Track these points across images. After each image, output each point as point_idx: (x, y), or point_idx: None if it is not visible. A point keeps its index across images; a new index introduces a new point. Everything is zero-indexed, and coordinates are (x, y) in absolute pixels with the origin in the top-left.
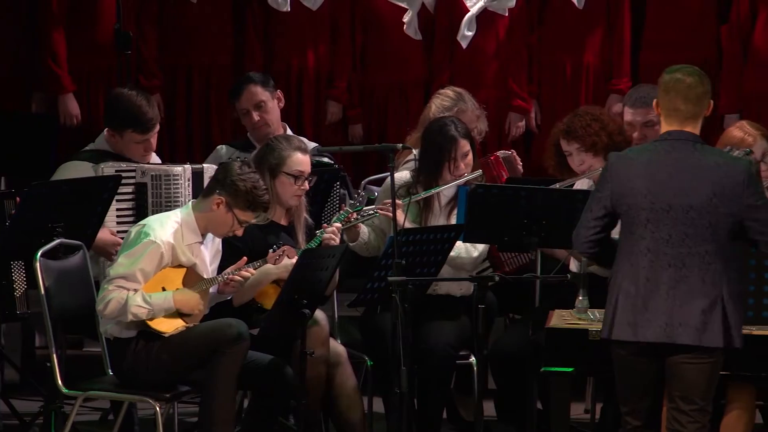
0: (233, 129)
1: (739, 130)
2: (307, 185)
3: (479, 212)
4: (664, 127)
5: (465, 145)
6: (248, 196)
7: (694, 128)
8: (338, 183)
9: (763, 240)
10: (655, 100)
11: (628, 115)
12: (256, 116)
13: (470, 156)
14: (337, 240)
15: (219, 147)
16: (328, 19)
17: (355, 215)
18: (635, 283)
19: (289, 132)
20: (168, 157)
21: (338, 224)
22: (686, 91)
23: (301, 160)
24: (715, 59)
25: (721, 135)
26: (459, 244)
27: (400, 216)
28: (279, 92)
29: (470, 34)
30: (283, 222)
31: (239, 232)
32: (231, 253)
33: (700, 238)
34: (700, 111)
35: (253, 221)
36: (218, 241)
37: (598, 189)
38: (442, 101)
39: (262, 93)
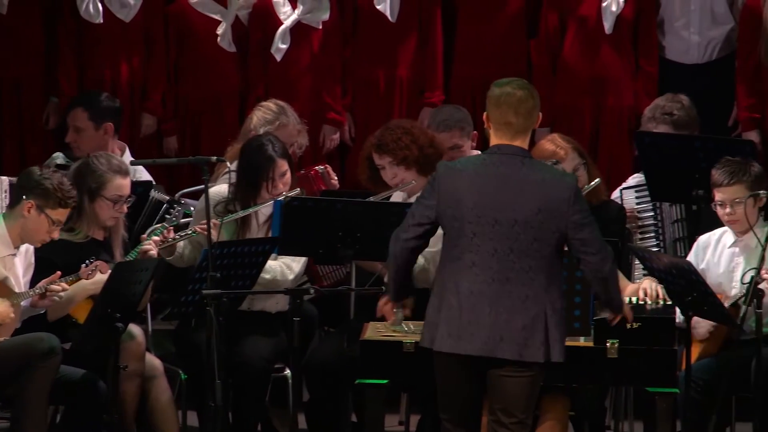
0: (44, 141)
1: (551, 143)
2: (125, 208)
3: (294, 225)
4: (494, 140)
5: (283, 165)
6: (57, 193)
7: (524, 142)
8: (152, 198)
9: (584, 258)
10: (485, 114)
11: None
12: (70, 137)
13: (288, 175)
14: (155, 253)
15: (55, 155)
16: (141, 31)
17: (173, 234)
18: (458, 295)
19: (128, 155)
20: None
21: (157, 238)
22: (517, 104)
23: (120, 185)
24: (525, 73)
25: (533, 148)
26: (275, 266)
27: (216, 234)
28: (109, 125)
29: (284, 46)
30: (100, 237)
31: (55, 235)
32: (47, 267)
33: (525, 253)
34: (530, 124)
35: (68, 237)
36: (31, 253)
37: (424, 196)
38: (264, 114)
39: (82, 120)
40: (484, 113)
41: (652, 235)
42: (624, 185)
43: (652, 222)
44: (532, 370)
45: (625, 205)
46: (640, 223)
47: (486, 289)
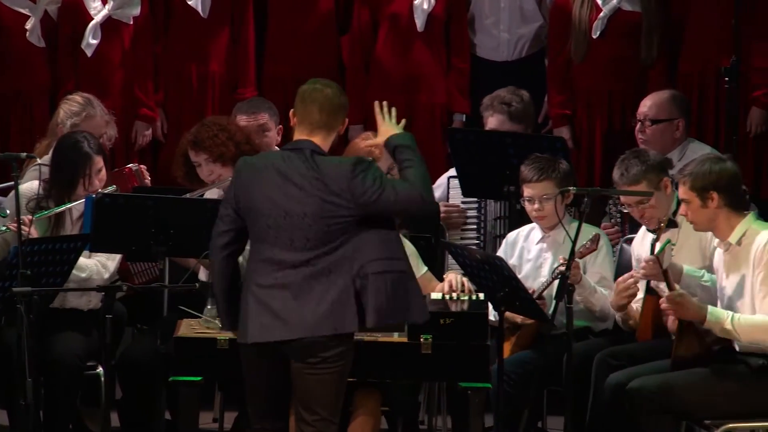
0: None
1: (365, 142)
2: None
3: (106, 222)
4: (297, 135)
5: (99, 162)
6: None
7: (324, 139)
8: None
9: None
10: (291, 111)
11: (242, 121)
12: None
13: (103, 171)
14: None
15: None
16: None
17: None
18: (261, 286)
19: None
20: None
21: None
22: (323, 101)
23: None
24: (337, 70)
25: (347, 146)
26: (90, 264)
27: (31, 231)
28: None
29: (95, 42)
30: None
31: None
32: None
33: (321, 240)
34: (333, 123)
35: None
36: None
37: (226, 197)
38: (70, 106)
39: None
40: (291, 110)
41: (474, 228)
42: (451, 173)
43: (475, 215)
44: (335, 366)
45: (451, 193)
46: (463, 214)
47: (286, 279)
